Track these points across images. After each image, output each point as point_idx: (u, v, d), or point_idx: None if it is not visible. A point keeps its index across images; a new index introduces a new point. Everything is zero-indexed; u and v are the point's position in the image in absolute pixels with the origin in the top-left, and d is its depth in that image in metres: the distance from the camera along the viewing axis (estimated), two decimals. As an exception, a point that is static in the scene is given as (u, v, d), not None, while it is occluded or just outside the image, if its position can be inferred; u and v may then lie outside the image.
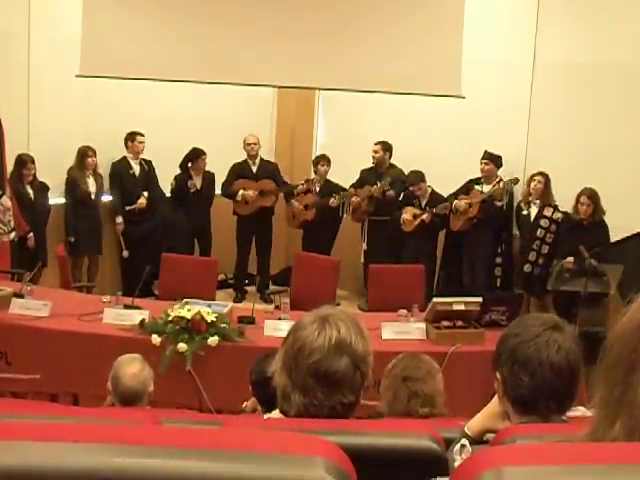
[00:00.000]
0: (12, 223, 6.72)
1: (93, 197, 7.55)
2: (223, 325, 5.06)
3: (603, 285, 6.14)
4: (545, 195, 7.16)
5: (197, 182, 8.03)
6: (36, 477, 0.94)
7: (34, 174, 7.08)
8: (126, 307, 5.40)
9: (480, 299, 5.38)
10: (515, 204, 7.50)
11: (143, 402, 3.58)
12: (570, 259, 6.47)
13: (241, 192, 7.96)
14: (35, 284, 5.99)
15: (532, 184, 7.20)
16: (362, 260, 7.98)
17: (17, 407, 3.70)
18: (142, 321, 5.11)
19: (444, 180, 7.56)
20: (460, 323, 5.25)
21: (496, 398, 2.06)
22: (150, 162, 7.91)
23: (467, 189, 7.56)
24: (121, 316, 5.26)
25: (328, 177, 8.14)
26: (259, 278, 7.81)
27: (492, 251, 7.56)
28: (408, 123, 8.05)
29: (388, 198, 7.78)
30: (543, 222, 7.12)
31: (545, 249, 7.11)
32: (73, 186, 7.43)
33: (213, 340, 4.94)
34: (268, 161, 8.35)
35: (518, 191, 7.48)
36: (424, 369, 3.23)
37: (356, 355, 1.88)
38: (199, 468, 0.95)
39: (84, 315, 5.29)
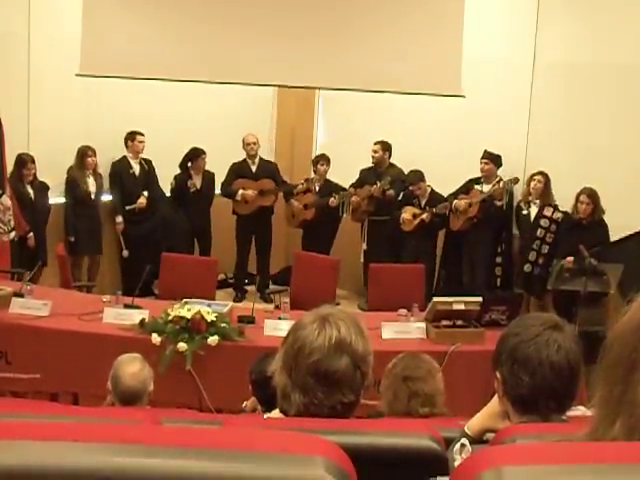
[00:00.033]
0: (12, 223, 6.71)
1: (93, 197, 7.54)
2: (223, 325, 5.05)
3: (603, 284, 6.13)
4: (545, 195, 7.16)
5: (197, 182, 8.03)
6: (36, 477, 0.94)
7: (34, 174, 7.08)
8: (126, 307, 5.40)
9: (480, 299, 5.39)
10: (515, 204, 7.50)
11: (143, 402, 3.58)
12: (570, 258, 6.47)
13: (241, 192, 7.96)
14: (35, 283, 5.99)
15: (532, 184, 7.19)
16: (362, 260, 7.98)
17: (17, 406, 3.70)
18: (142, 321, 5.11)
19: (444, 180, 7.56)
20: (460, 322, 5.26)
21: (496, 398, 2.06)
22: (150, 162, 7.90)
23: (467, 189, 7.56)
24: (121, 316, 5.26)
25: (328, 177, 8.15)
26: (259, 278, 7.81)
27: (492, 251, 7.56)
28: (408, 123, 8.05)
29: (388, 198, 7.78)
30: (543, 222, 7.12)
31: (545, 249, 7.11)
32: (73, 186, 7.43)
33: (213, 340, 4.94)
34: (267, 160, 8.35)
35: (518, 191, 7.48)
36: (424, 368, 3.23)
37: (356, 355, 1.87)
38: (199, 468, 0.95)
39: (84, 315, 5.29)
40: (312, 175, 8.23)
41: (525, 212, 7.33)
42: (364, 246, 8.02)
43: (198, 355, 4.90)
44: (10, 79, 7.10)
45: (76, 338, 5.08)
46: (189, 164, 7.98)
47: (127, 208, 7.76)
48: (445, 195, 7.61)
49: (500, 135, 7.46)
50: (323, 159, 8.12)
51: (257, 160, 8.14)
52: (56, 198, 7.46)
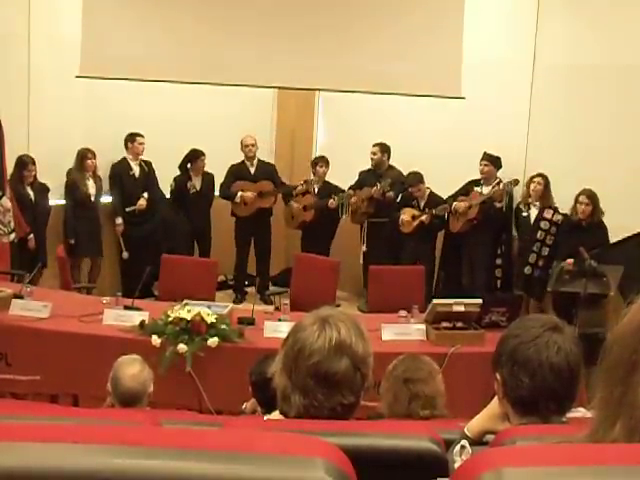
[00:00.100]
0: (12, 224, 6.72)
1: (92, 199, 7.54)
2: (223, 326, 5.05)
3: (603, 286, 6.13)
4: (545, 197, 7.16)
5: (196, 183, 8.03)
6: (36, 478, 0.94)
7: (34, 175, 7.08)
8: (126, 308, 5.40)
9: (480, 300, 5.39)
10: (514, 205, 7.50)
11: (143, 403, 3.57)
12: (570, 260, 6.47)
13: (240, 194, 7.96)
14: (35, 285, 6.00)
15: (532, 186, 7.19)
16: (361, 261, 7.98)
17: (17, 408, 3.70)
18: (142, 322, 5.11)
19: (444, 181, 7.56)
20: (460, 324, 5.25)
21: (496, 399, 2.06)
22: (150, 163, 7.90)
23: (466, 190, 7.56)
24: (121, 317, 5.26)
25: (327, 178, 8.15)
26: (259, 279, 7.80)
27: (492, 252, 7.56)
28: (408, 124, 8.05)
29: (388, 199, 7.78)
30: (543, 224, 7.12)
31: (545, 251, 7.10)
32: (73, 188, 7.43)
33: (213, 341, 4.93)
34: (265, 162, 8.34)
35: (518, 192, 7.48)
36: (425, 370, 3.22)
37: (356, 356, 1.87)
38: (199, 469, 0.95)
39: (84, 316, 5.29)
40: (311, 177, 8.23)
41: (525, 214, 7.33)
42: (363, 248, 8.02)
43: (198, 356, 4.90)
44: (10, 80, 7.10)
45: (76, 340, 5.08)
46: (188, 165, 7.98)
47: (127, 210, 7.76)
48: (444, 197, 7.61)
49: (500, 137, 7.46)
50: (322, 161, 8.13)
51: (255, 162, 8.14)
52: (56, 200, 7.46)
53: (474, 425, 2.08)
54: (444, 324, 5.23)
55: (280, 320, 5.31)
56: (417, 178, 7.53)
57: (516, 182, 7.33)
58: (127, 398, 3.52)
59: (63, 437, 0.99)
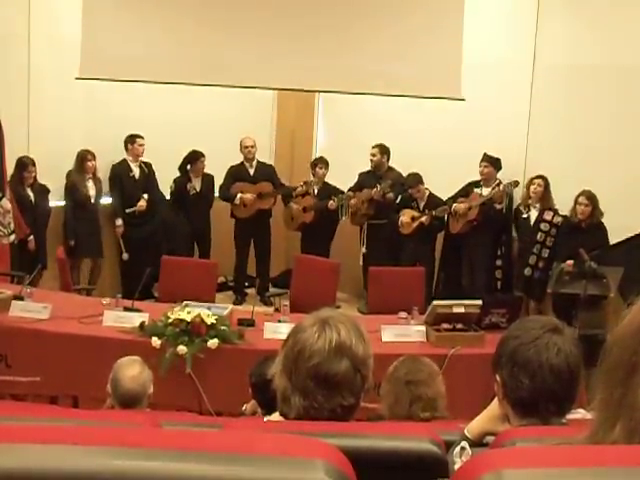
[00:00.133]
0: (12, 225, 6.72)
1: (92, 200, 7.55)
2: (223, 327, 5.05)
3: (603, 288, 6.13)
4: (545, 198, 7.16)
5: (196, 184, 8.03)
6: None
7: (35, 177, 7.08)
8: (126, 309, 5.40)
9: (480, 302, 5.39)
10: (514, 207, 7.49)
11: (143, 405, 3.57)
12: (570, 262, 6.47)
13: (239, 195, 7.96)
14: (35, 287, 6.00)
15: (532, 187, 7.19)
16: (361, 263, 7.98)
17: (17, 410, 3.70)
18: (142, 323, 5.11)
19: (443, 183, 7.56)
20: (460, 326, 5.25)
21: (496, 401, 2.06)
22: (150, 165, 7.90)
23: (466, 192, 7.55)
24: (121, 318, 5.26)
25: (326, 180, 8.15)
26: (259, 281, 7.80)
27: (492, 254, 7.56)
28: (408, 125, 8.05)
29: (388, 201, 7.78)
30: (543, 226, 7.12)
31: (545, 253, 7.10)
32: (73, 190, 7.44)
33: (213, 343, 4.93)
34: (265, 163, 8.34)
35: (517, 194, 7.47)
36: (426, 372, 3.22)
37: (356, 358, 1.87)
38: (199, 471, 0.95)
39: (84, 318, 5.29)
40: (311, 178, 8.23)
41: (525, 216, 7.33)
42: (363, 249, 8.02)
43: (198, 358, 4.90)
44: (10, 81, 7.10)
45: (76, 341, 5.08)
46: (188, 167, 7.97)
47: (127, 211, 7.76)
48: (444, 198, 7.61)
49: (500, 138, 7.46)
50: (322, 162, 8.12)
51: (255, 163, 8.14)
52: (56, 201, 7.46)
53: (474, 426, 2.08)
54: (444, 325, 5.23)
55: (280, 321, 5.31)
56: (417, 179, 7.53)
57: (516, 183, 7.32)
58: (127, 399, 3.52)
59: (63, 438, 0.99)
